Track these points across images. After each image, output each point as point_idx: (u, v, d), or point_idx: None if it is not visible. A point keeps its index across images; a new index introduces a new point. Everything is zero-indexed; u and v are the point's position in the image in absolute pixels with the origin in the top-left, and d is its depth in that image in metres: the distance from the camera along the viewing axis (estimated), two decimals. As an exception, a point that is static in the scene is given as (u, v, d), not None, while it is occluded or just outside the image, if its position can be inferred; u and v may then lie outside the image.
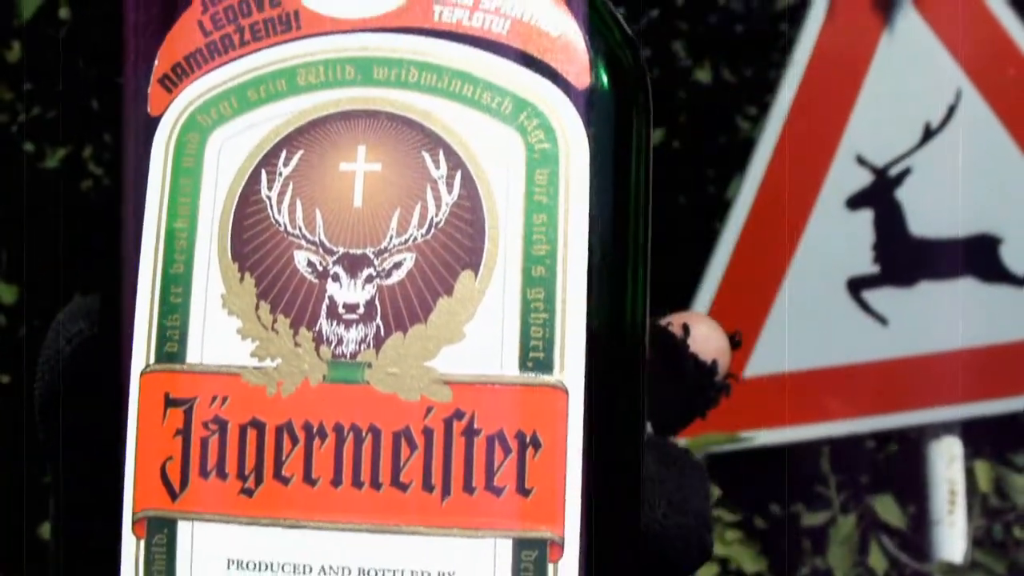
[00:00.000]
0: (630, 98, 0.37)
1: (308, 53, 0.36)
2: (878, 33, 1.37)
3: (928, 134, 1.36)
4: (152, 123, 0.36)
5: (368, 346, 0.35)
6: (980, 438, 1.40)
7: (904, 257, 1.37)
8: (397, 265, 0.35)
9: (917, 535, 1.41)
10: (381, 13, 0.36)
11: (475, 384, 0.34)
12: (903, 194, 1.37)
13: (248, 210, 0.36)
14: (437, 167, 0.35)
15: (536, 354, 0.34)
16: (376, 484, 0.34)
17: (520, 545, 0.34)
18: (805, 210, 1.39)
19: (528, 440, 0.34)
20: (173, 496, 0.35)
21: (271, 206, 0.36)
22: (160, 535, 0.35)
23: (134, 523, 0.36)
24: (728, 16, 1.58)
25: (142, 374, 0.36)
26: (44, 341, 0.40)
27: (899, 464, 1.49)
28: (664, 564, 0.39)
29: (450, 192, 0.35)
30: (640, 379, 0.36)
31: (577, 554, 0.34)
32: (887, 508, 1.43)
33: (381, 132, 0.35)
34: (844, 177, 1.38)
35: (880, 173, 1.37)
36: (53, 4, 1.18)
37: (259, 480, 0.35)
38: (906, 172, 1.37)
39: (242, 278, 0.36)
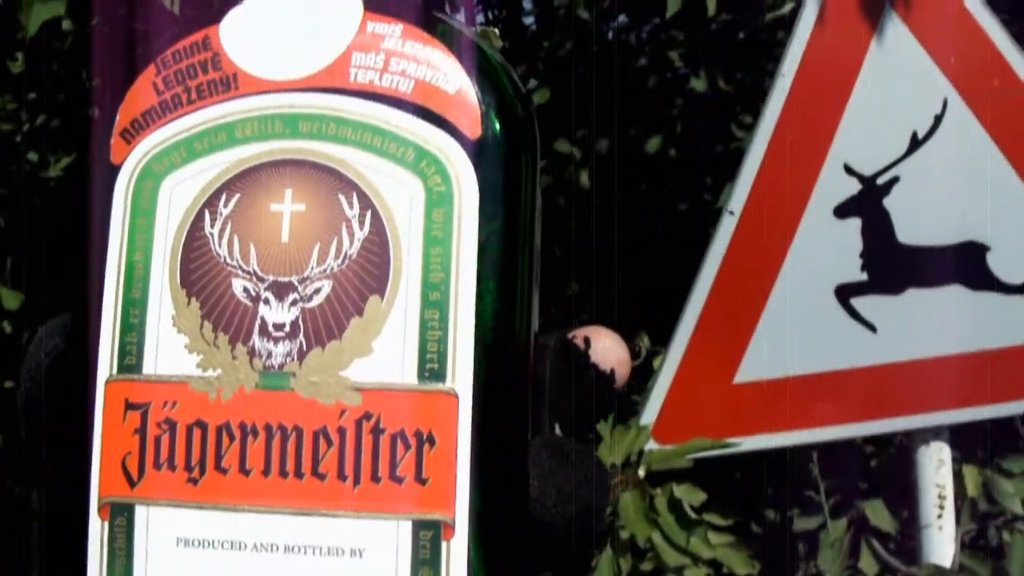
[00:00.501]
0: (519, 145, 0.45)
1: (244, 110, 0.44)
2: (866, 44, 1.44)
3: (915, 143, 1.43)
4: (114, 170, 0.45)
5: (293, 359, 0.43)
6: (969, 443, 1.47)
7: (892, 265, 1.44)
8: (317, 291, 0.43)
9: (907, 539, 1.48)
10: (306, 75, 0.44)
11: (381, 391, 0.43)
12: (891, 202, 1.44)
13: (194, 244, 0.44)
14: (351, 207, 0.43)
15: (432, 365, 0.42)
16: (299, 474, 0.43)
17: (418, 526, 0.42)
18: (794, 218, 1.46)
19: (425, 438, 0.42)
20: (132, 485, 0.44)
21: (213, 241, 0.44)
22: (121, 518, 0.44)
23: (99, 508, 0.44)
24: (724, 25, 1.65)
25: (106, 383, 0.44)
26: (26, 354, 0.49)
27: (889, 469, 1.56)
28: (556, 550, 0.47)
29: (361, 229, 0.43)
30: (524, 385, 0.44)
31: (467, 533, 0.42)
32: (877, 512, 1.50)
33: (305, 178, 0.44)
34: (832, 186, 1.45)
35: (868, 182, 1.44)
36: (57, 18, 1.27)
37: (203, 471, 0.43)
38: (894, 181, 1.44)
39: (189, 302, 0.44)
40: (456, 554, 0.42)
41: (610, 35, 1.81)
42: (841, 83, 1.46)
